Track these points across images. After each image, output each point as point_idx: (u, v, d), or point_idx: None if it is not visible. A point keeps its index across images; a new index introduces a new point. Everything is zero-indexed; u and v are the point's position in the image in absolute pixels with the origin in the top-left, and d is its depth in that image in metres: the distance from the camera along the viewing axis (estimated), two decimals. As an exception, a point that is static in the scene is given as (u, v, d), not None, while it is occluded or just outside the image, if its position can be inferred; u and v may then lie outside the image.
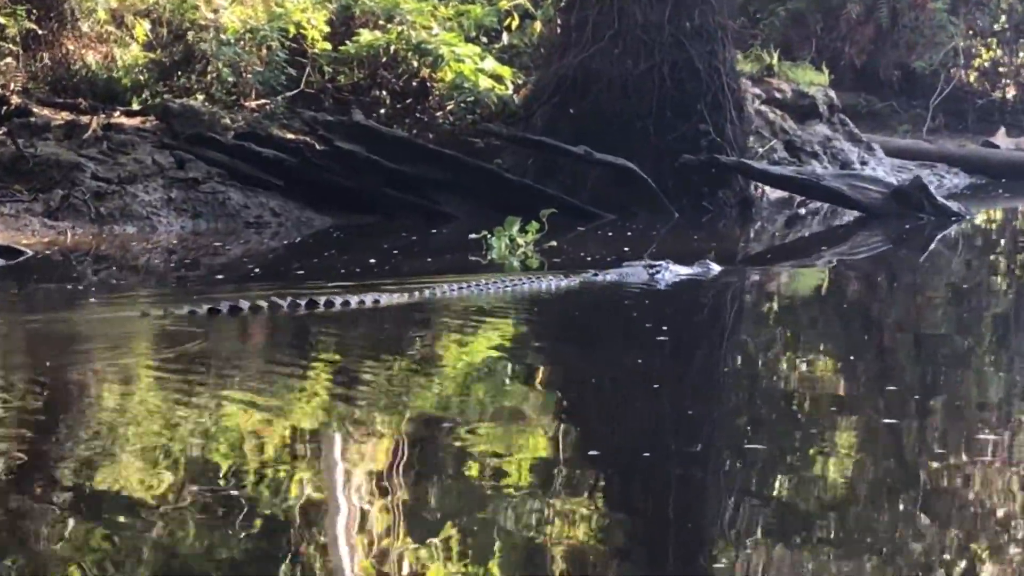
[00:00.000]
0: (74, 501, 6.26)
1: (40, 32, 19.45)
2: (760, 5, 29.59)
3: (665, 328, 10.71)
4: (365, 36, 20.10)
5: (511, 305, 11.84)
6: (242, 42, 19.58)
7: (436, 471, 6.80)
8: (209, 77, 19.42)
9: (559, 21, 20.83)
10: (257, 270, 14.31)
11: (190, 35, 19.83)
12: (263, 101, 19.54)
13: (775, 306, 12.85)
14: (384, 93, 20.24)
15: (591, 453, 7.24)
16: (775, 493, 6.55)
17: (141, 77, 19.64)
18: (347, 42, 20.15)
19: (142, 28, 20.12)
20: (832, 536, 5.92)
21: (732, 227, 18.90)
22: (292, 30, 19.87)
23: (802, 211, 20.66)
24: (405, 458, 6.97)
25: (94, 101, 19.10)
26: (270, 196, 17.62)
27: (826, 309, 12.92)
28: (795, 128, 23.32)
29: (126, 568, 5.45)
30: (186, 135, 18.11)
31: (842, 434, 7.63)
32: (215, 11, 20.00)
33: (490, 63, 20.30)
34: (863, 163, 23.78)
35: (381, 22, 20.44)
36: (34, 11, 19.41)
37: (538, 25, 22.35)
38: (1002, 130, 28.71)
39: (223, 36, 19.53)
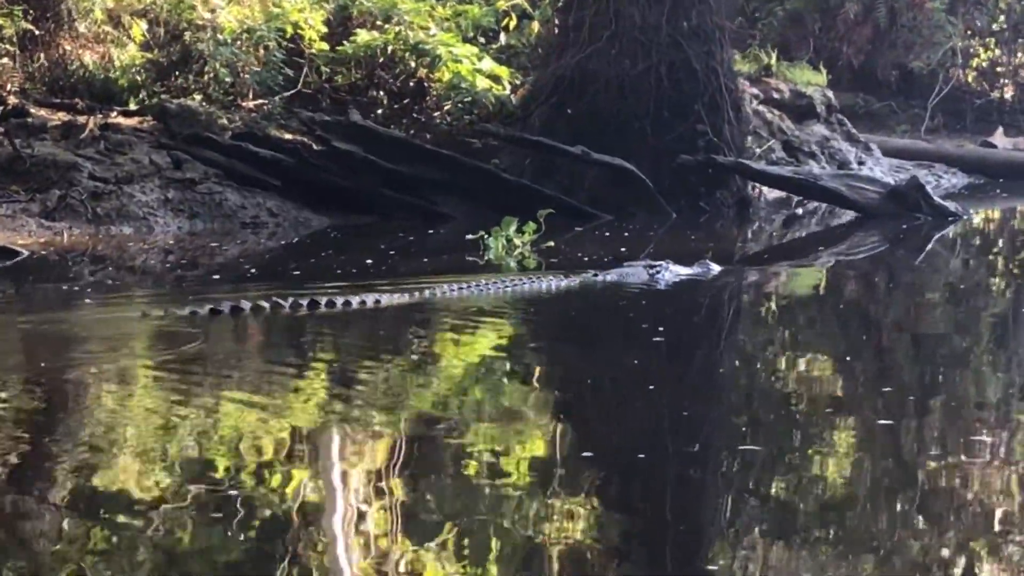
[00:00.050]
0: (74, 501, 6.26)
1: (37, 32, 19.46)
2: (758, 5, 29.59)
3: (665, 328, 10.71)
4: (362, 36, 20.10)
5: (511, 305, 11.84)
6: (239, 42, 19.59)
7: (434, 471, 6.79)
8: (206, 77, 19.43)
9: (556, 21, 20.82)
10: (254, 270, 14.30)
11: (187, 35, 19.84)
12: (260, 101, 19.54)
13: (774, 306, 12.83)
14: (381, 93, 20.24)
15: (588, 453, 7.23)
16: (770, 494, 6.54)
17: (138, 77, 19.65)
18: (344, 42, 20.16)
19: (139, 28, 20.13)
20: (828, 536, 5.91)
21: (730, 227, 18.90)
22: (289, 30, 19.88)
23: (800, 211, 20.66)
24: (405, 458, 6.97)
25: (91, 101, 19.11)
26: (267, 196, 17.61)
27: (824, 309, 12.91)
28: (793, 128, 23.32)
29: (125, 568, 5.45)
30: (183, 135, 18.09)
31: (838, 435, 7.63)
32: (212, 11, 20.00)
33: (488, 63, 20.30)
34: (861, 163, 23.79)
35: (378, 22, 20.45)
36: (31, 11, 19.42)
37: (536, 25, 22.35)
38: (1000, 130, 28.72)
39: (220, 36, 19.53)
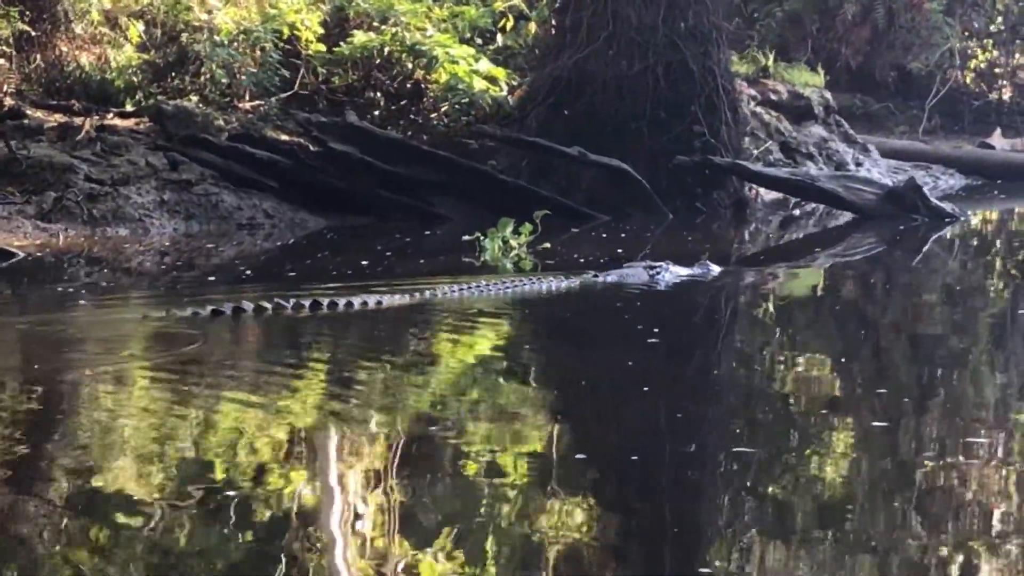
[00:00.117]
0: (75, 501, 6.27)
1: (33, 34, 19.45)
2: (756, 6, 29.57)
3: (665, 329, 10.73)
4: (359, 37, 20.09)
5: (511, 306, 11.87)
6: (236, 43, 19.58)
7: (432, 472, 6.78)
8: (203, 78, 19.42)
9: (553, 22, 20.84)
10: (249, 272, 14.29)
11: (184, 36, 19.85)
12: (257, 102, 19.53)
13: (773, 307, 12.81)
14: (378, 94, 20.24)
15: (585, 454, 7.23)
16: (765, 496, 6.52)
17: (135, 78, 19.64)
18: (341, 43, 20.15)
19: (136, 29, 20.12)
20: (823, 537, 5.89)
21: (726, 228, 18.89)
22: (286, 31, 19.87)
23: (797, 212, 20.65)
24: (404, 459, 6.98)
25: (87, 103, 19.11)
26: (263, 198, 17.60)
27: (821, 310, 12.90)
28: (790, 129, 23.30)
29: (124, 569, 5.45)
30: (179, 136, 18.09)
31: (833, 436, 7.61)
32: (209, 12, 20.01)
33: (484, 64, 20.29)
34: (858, 164, 23.77)
35: (375, 23, 20.45)
36: (27, 13, 19.42)
37: (532, 26, 22.35)
38: (998, 131, 28.72)
39: (217, 37, 19.53)
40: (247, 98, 19.57)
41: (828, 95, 24.96)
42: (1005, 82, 32.04)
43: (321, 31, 20.17)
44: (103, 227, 16.48)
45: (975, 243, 18.67)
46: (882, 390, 8.79)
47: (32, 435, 7.43)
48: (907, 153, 26.77)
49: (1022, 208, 24.12)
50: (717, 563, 5.63)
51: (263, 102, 19.50)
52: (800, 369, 9.68)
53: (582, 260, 14.43)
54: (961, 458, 7.04)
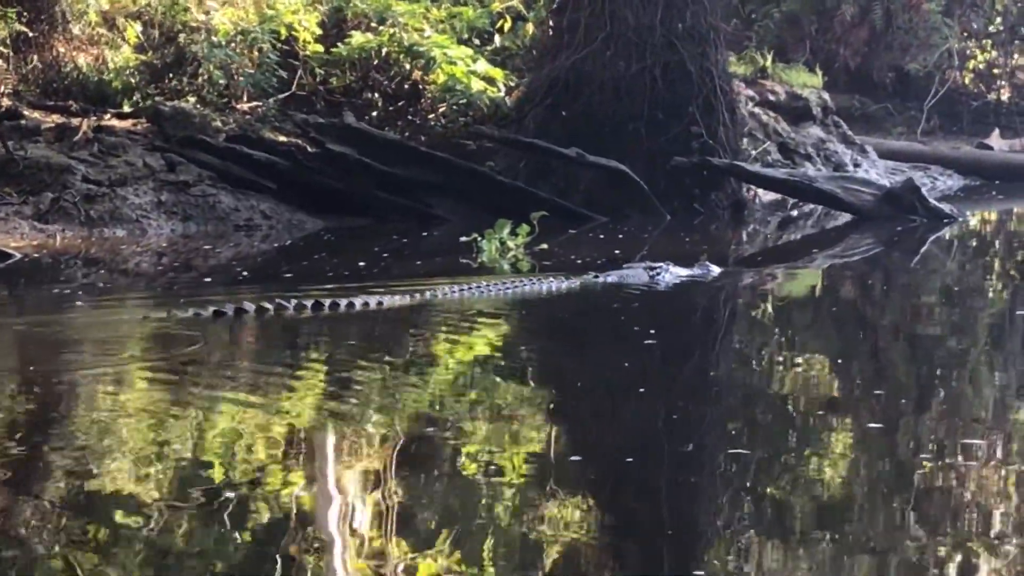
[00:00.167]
0: (73, 500, 6.29)
1: (31, 34, 19.43)
2: (754, 7, 29.56)
3: (665, 330, 10.77)
4: (357, 38, 20.07)
5: (512, 307, 11.88)
6: (233, 44, 19.55)
7: (430, 472, 6.80)
8: (200, 79, 19.40)
9: (551, 23, 20.80)
10: (246, 273, 14.28)
11: (181, 37, 19.83)
12: (254, 103, 19.51)
13: (772, 308, 12.82)
14: (376, 95, 20.22)
15: (581, 455, 7.22)
16: (759, 497, 6.51)
17: (132, 79, 19.61)
18: (339, 44, 20.13)
19: (133, 30, 20.11)
20: (818, 539, 5.88)
21: (724, 229, 18.88)
22: (283, 32, 19.85)
23: (795, 213, 20.64)
24: (404, 459, 6.99)
25: (85, 103, 19.08)
26: (261, 199, 17.58)
27: (820, 311, 12.90)
28: (788, 130, 23.29)
29: (122, 569, 5.46)
30: (177, 137, 18.07)
31: (829, 437, 7.61)
32: (206, 13, 19.99)
33: (482, 65, 20.27)
34: (856, 165, 23.77)
35: (373, 24, 20.43)
36: (25, 13, 19.40)
37: (530, 27, 22.32)
38: (996, 132, 28.70)
39: (214, 38, 19.51)
40: (245, 99, 19.56)
41: (826, 96, 24.96)
42: (1004, 83, 32.01)
43: (319, 32, 20.14)
44: (100, 228, 16.47)
45: (973, 244, 18.67)
46: (880, 391, 8.78)
47: (38, 436, 7.46)
48: (905, 154, 26.76)
49: (1020, 209, 24.11)
50: (713, 564, 5.63)
51: (261, 103, 19.48)
52: (797, 370, 9.68)
53: (580, 261, 14.43)
54: (959, 459, 7.04)
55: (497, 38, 22.24)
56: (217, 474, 6.68)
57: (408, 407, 8.26)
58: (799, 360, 10.10)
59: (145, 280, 14.08)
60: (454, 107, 19.81)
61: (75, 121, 18.30)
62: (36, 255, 14.98)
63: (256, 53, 19.62)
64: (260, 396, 8.43)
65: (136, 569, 5.46)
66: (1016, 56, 32.39)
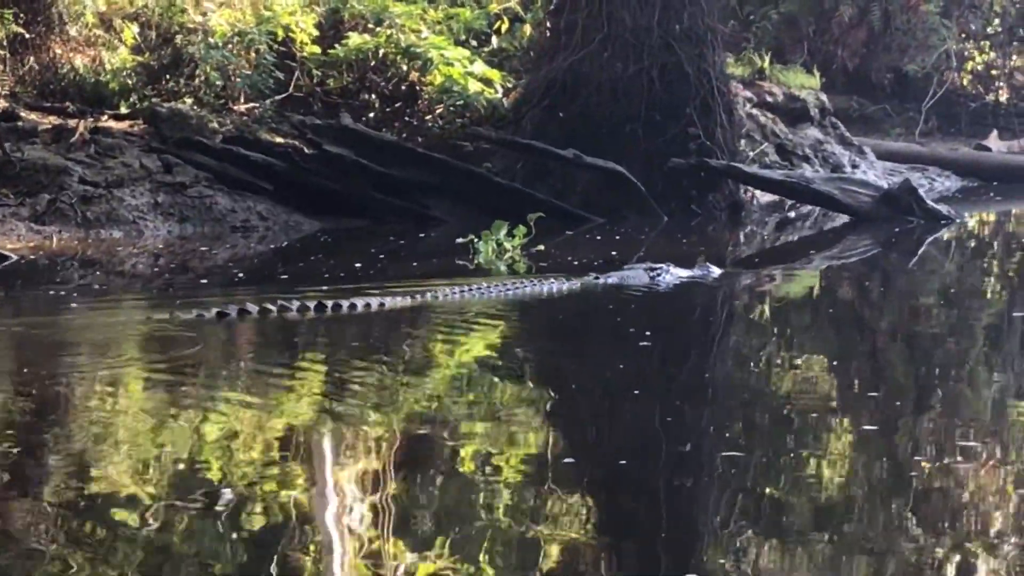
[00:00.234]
0: (75, 500, 6.31)
1: (28, 36, 19.43)
2: (752, 8, 29.54)
3: (666, 331, 10.80)
4: (354, 40, 20.05)
5: (513, 308, 11.90)
6: (230, 45, 19.54)
7: (428, 474, 6.81)
8: (197, 80, 19.39)
9: (548, 24, 20.78)
10: (242, 275, 14.26)
11: (178, 38, 19.82)
12: (251, 105, 19.50)
13: (777, 309, 12.84)
14: (373, 97, 20.21)
15: (579, 456, 7.24)
16: (753, 499, 6.50)
17: (129, 81, 19.60)
18: (336, 45, 20.12)
19: (130, 31, 20.10)
20: (813, 540, 5.87)
21: (722, 231, 18.87)
22: (280, 33, 19.83)
23: (792, 215, 20.62)
24: (403, 460, 7.01)
25: (82, 105, 19.08)
26: (258, 200, 17.57)
27: (818, 312, 12.90)
28: (786, 131, 23.27)
29: (121, 570, 5.46)
30: (174, 139, 18.07)
31: (824, 439, 7.60)
32: (203, 14, 19.98)
33: (479, 66, 20.25)
34: (854, 166, 23.75)
35: (370, 25, 20.41)
36: (22, 15, 19.40)
37: (528, 28, 22.30)
38: (994, 133, 28.67)
39: (211, 39, 19.50)
40: (242, 100, 19.54)
41: (824, 97, 24.94)
42: (1002, 84, 31.98)
43: (316, 33, 20.13)
44: (97, 229, 16.47)
45: (971, 245, 18.65)
46: (876, 393, 8.79)
47: (45, 436, 7.49)
48: (903, 155, 26.75)
49: (1018, 210, 24.10)
50: (710, 565, 5.63)
51: (258, 104, 19.47)
52: (796, 371, 9.67)
53: (577, 263, 14.42)
54: (957, 459, 7.03)
55: (494, 39, 22.22)
56: (220, 475, 6.70)
57: (409, 408, 8.27)
58: (798, 361, 10.11)
59: (142, 281, 14.08)
60: (451, 108, 19.79)
61: (72, 122, 18.29)
62: (33, 256, 14.98)
63: (253, 54, 19.61)
64: (265, 397, 8.47)
65: (134, 570, 5.46)
66: (1014, 57, 32.37)
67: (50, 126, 18.24)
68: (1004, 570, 5.61)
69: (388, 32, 20.14)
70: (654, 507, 6.44)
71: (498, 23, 22.25)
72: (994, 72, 32.07)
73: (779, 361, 10.11)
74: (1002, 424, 8.00)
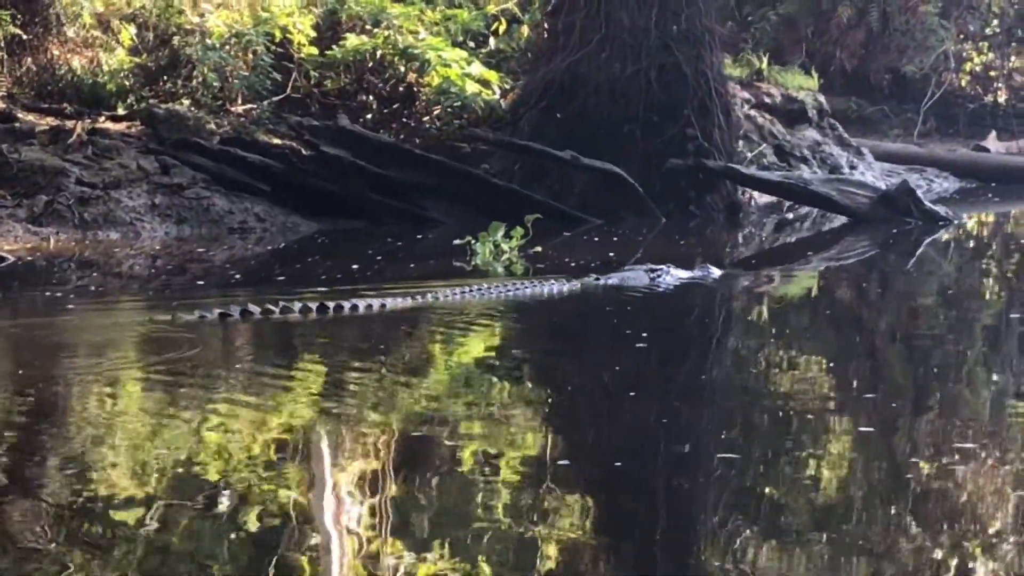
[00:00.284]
0: (76, 500, 6.32)
1: (25, 37, 19.41)
2: (751, 9, 29.55)
3: (668, 332, 10.79)
4: (351, 41, 20.05)
5: (515, 310, 11.91)
6: (228, 47, 19.52)
7: (425, 474, 6.81)
8: (195, 82, 19.37)
9: (546, 25, 20.78)
10: (238, 276, 14.25)
11: (176, 39, 19.80)
12: (249, 106, 19.48)
13: (777, 310, 12.85)
14: (371, 98, 20.20)
15: (578, 456, 7.25)
16: (748, 501, 6.50)
17: (126, 82, 19.58)
18: (333, 47, 20.11)
19: (128, 33, 20.07)
20: (814, 540, 5.87)
21: (720, 232, 18.87)
22: (278, 35, 19.82)
23: (790, 216, 20.62)
24: (402, 461, 7.04)
25: (79, 106, 19.05)
26: (255, 201, 17.57)
27: (816, 314, 12.91)
28: (784, 133, 23.27)
29: (120, 570, 5.47)
30: (171, 140, 18.05)
31: (819, 440, 7.59)
32: (201, 15, 19.98)
33: (477, 68, 20.24)
34: (853, 168, 23.74)
35: (367, 27, 20.41)
36: (19, 16, 19.37)
37: (525, 29, 22.29)
38: (993, 134, 28.69)
39: (209, 41, 19.49)
40: (239, 101, 19.53)
41: (822, 98, 24.94)
42: (1000, 85, 32.01)
43: (313, 34, 20.12)
44: (94, 231, 16.46)
45: (969, 246, 18.64)
46: (874, 394, 8.79)
47: (44, 437, 7.53)
48: (901, 156, 26.75)
49: (1016, 211, 24.11)
50: (707, 566, 5.63)
51: (255, 105, 19.45)
52: (794, 372, 9.67)
53: (574, 264, 14.41)
54: (955, 460, 7.02)
55: (492, 40, 22.20)
56: (220, 476, 6.72)
57: (409, 409, 8.28)
58: (796, 362, 10.11)
59: (139, 283, 14.07)
60: (449, 110, 19.79)
61: (69, 124, 18.27)
62: (30, 258, 14.97)
63: (250, 55, 19.59)
64: (268, 397, 8.48)
65: (133, 571, 5.46)
66: (1013, 58, 32.40)
67: (47, 127, 18.23)
68: (1002, 571, 5.61)
69: (386, 33, 20.14)
70: (652, 508, 6.44)
71: (496, 24, 22.23)
72: (992, 73, 32.10)
73: (779, 362, 10.11)
74: (1000, 425, 8.00)
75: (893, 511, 6.27)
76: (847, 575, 5.56)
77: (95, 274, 14.50)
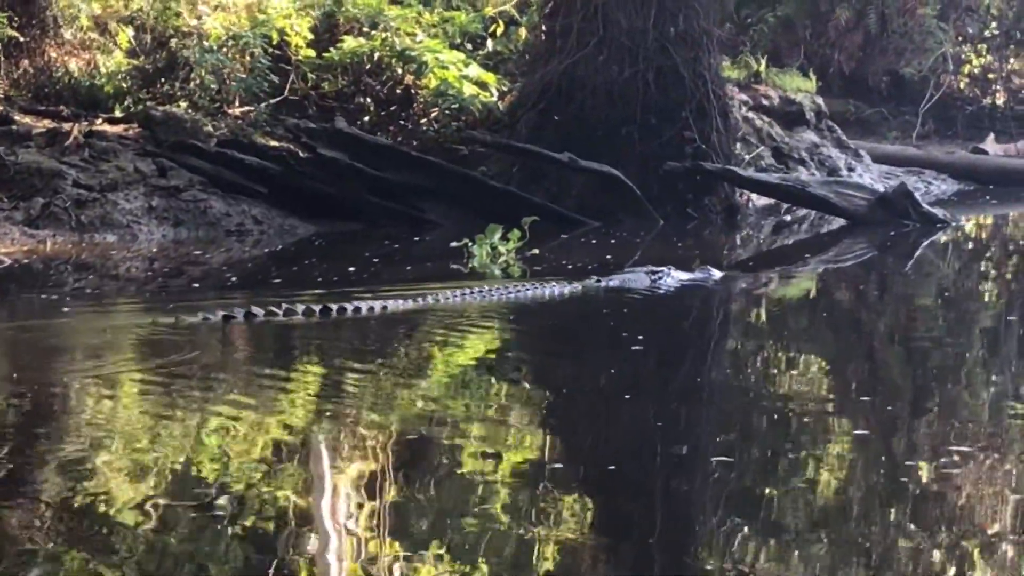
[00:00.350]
0: (76, 500, 6.33)
1: (22, 39, 19.40)
2: (749, 11, 29.56)
3: (667, 334, 10.80)
4: (349, 43, 20.05)
5: (514, 311, 11.90)
6: (225, 49, 19.52)
7: (428, 475, 6.83)
8: (192, 84, 19.36)
9: (544, 28, 20.74)
10: (235, 279, 14.23)
11: (173, 42, 19.79)
12: (246, 108, 19.48)
13: (776, 312, 12.85)
14: (368, 100, 20.19)
15: (576, 458, 7.27)
16: (744, 503, 6.48)
17: (124, 84, 19.57)
18: (331, 49, 20.10)
19: (125, 35, 20.07)
20: (807, 542, 5.86)
21: (718, 234, 18.86)
22: (275, 37, 19.82)
23: (788, 218, 20.61)
24: (402, 461, 7.05)
25: (76, 108, 19.04)
26: (252, 204, 17.54)
27: (814, 316, 12.91)
28: (782, 135, 23.26)
29: (119, 570, 5.47)
30: (168, 142, 18.03)
31: (814, 443, 7.58)
32: (198, 18, 19.96)
33: (475, 70, 20.24)
34: (851, 170, 23.73)
35: (365, 29, 20.40)
36: (16, 18, 19.36)
37: (523, 32, 22.29)
38: (991, 136, 28.70)
39: (206, 43, 19.48)
40: (236, 104, 19.52)
41: (820, 100, 24.93)
42: (999, 87, 32.02)
43: (311, 36, 20.11)
44: (91, 233, 16.44)
45: (967, 248, 18.64)
46: (872, 396, 8.78)
47: (42, 439, 7.53)
48: (899, 158, 26.75)
49: (1015, 213, 24.12)
50: (704, 567, 5.63)
51: (252, 108, 19.45)
52: (793, 373, 9.67)
53: (572, 266, 14.39)
54: (953, 461, 7.02)
55: (490, 43, 22.20)
56: (220, 477, 6.73)
57: (410, 410, 8.30)
58: (795, 364, 10.10)
59: (136, 285, 14.05)
60: (446, 112, 19.78)
61: (66, 126, 18.25)
62: (26, 261, 14.95)
63: (248, 58, 19.58)
64: (270, 399, 8.51)
65: (133, 572, 5.47)
66: (1011, 61, 32.40)
67: (44, 129, 18.21)
68: (1001, 572, 5.60)
69: (383, 35, 20.13)
70: (650, 509, 6.44)
71: (493, 26, 22.23)
72: (991, 75, 32.10)
73: (778, 363, 10.11)
74: (999, 427, 7.99)
75: (891, 513, 6.27)
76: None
77: (92, 276, 14.47)
